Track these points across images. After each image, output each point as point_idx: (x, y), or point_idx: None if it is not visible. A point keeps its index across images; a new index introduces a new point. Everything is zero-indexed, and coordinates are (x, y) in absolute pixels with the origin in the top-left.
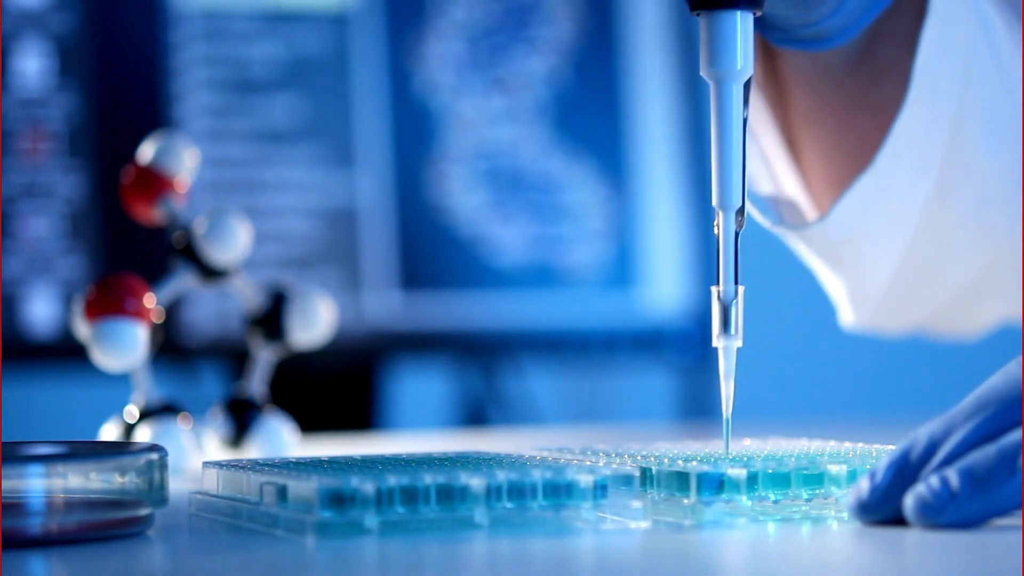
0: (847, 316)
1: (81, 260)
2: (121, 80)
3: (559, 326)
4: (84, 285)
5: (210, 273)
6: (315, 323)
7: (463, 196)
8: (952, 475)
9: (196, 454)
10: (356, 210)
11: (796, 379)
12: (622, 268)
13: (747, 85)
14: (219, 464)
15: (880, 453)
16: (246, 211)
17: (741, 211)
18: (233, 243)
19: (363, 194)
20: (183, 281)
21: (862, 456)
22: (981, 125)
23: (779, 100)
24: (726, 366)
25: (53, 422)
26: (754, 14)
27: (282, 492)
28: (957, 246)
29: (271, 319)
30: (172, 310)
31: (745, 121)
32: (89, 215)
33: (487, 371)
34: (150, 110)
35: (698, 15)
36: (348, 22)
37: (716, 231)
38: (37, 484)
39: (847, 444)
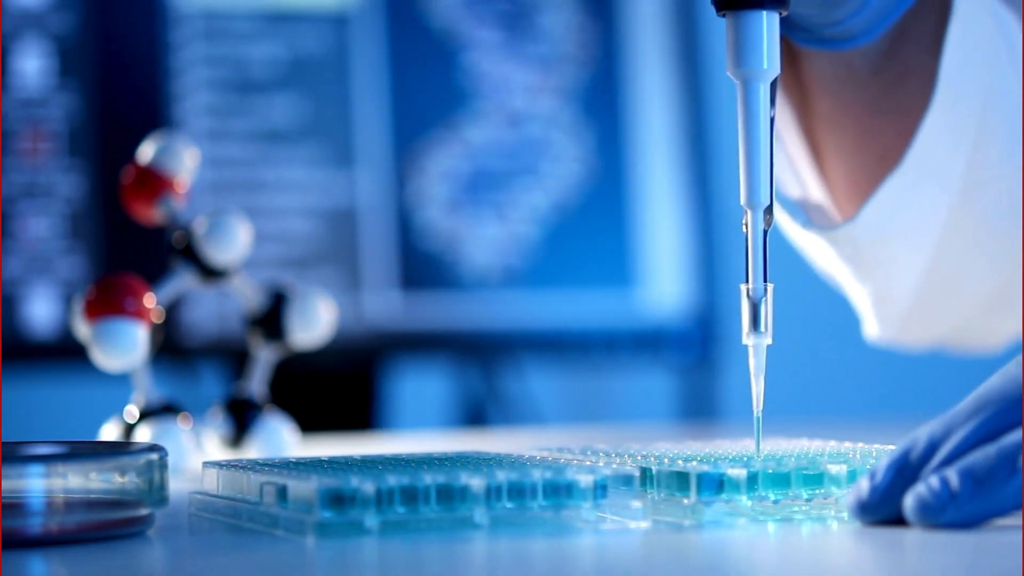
0: (871, 329)
1: (81, 260)
2: (121, 80)
3: (559, 326)
4: (84, 285)
5: (210, 273)
6: (315, 323)
7: (464, 195)
8: (952, 475)
9: (196, 454)
10: (356, 210)
11: (797, 379)
12: (622, 268)
13: (773, 85)
14: (219, 464)
15: (880, 453)
16: (246, 211)
17: (769, 210)
18: (233, 243)
19: (363, 194)
20: (183, 281)
21: (862, 456)
22: (1003, 133)
23: (802, 104)
24: (756, 363)
25: (53, 422)
26: (780, 14)
27: (282, 492)
28: (979, 258)
29: (271, 319)
30: (172, 310)
31: (772, 121)
32: (89, 215)
33: (487, 371)
34: (150, 110)
35: (724, 15)
36: (348, 22)
37: (744, 229)
38: (37, 484)
39: (847, 444)
